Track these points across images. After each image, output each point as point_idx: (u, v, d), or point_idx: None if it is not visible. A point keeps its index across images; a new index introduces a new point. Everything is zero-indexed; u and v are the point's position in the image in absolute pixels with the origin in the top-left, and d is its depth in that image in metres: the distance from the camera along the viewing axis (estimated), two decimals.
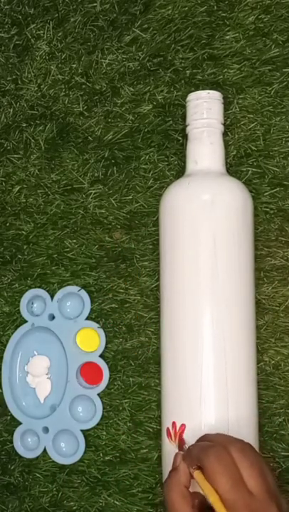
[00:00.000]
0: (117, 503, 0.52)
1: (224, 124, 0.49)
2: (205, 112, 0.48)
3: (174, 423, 0.45)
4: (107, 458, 0.53)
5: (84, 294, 0.55)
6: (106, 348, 0.54)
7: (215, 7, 0.53)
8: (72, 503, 0.54)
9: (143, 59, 0.55)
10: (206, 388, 0.44)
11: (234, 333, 0.45)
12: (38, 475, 0.55)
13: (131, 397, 0.53)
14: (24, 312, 0.57)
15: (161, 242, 0.48)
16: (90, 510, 0.53)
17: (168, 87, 0.54)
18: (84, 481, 0.54)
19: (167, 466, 0.46)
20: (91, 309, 0.54)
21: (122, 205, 0.55)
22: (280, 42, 0.51)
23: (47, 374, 0.56)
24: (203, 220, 0.45)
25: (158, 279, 0.52)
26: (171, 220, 0.47)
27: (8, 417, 0.57)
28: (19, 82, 0.58)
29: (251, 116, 0.52)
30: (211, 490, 0.36)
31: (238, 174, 0.51)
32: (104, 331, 0.54)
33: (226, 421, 0.43)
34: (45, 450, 0.55)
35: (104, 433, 0.53)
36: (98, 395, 0.53)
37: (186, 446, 0.43)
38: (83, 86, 0.57)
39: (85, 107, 0.56)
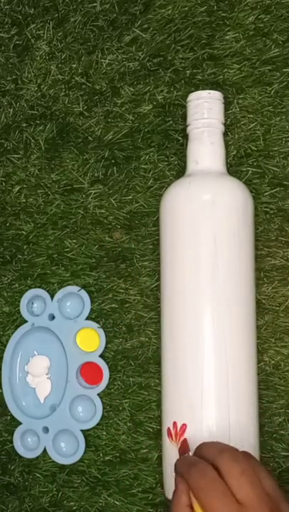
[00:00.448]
0: (117, 503, 0.52)
1: (224, 124, 0.49)
2: (206, 111, 0.48)
3: (174, 423, 0.45)
4: (107, 458, 0.53)
5: (84, 294, 0.55)
6: (106, 348, 0.54)
7: (215, 7, 0.53)
8: (72, 503, 0.54)
9: (143, 59, 0.55)
10: (207, 388, 0.44)
11: (235, 333, 0.45)
12: (38, 475, 0.55)
13: (131, 397, 0.53)
14: (24, 312, 0.57)
15: (161, 242, 0.48)
16: (90, 510, 0.53)
17: (168, 87, 0.54)
18: (84, 481, 0.54)
19: (167, 466, 0.46)
20: (91, 309, 0.54)
21: (122, 205, 0.55)
22: (280, 42, 0.51)
23: (47, 374, 0.56)
24: (204, 220, 0.45)
25: (158, 279, 0.52)
26: (172, 220, 0.47)
27: (8, 417, 0.57)
28: (19, 82, 0.58)
29: (251, 116, 0.52)
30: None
31: (238, 174, 0.51)
32: (104, 331, 0.54)
33: (227, 420, 0.43)
34: (45, 450, 0.55)
35: (104, 433, 0.53)
36: (98, 395, 0.53)
37: (190, 453, 0.43)
38: (83, 86, 0.57)
39: (85, 107, 0.56)
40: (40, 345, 0.56)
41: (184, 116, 0.51)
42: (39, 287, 0.57)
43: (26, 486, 0.55)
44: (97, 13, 0.56)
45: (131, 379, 0.53)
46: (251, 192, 0.49)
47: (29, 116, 0.58)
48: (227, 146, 0.51)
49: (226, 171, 0.49)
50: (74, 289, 0.55)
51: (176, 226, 0.46)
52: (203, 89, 0.51)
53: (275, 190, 0.51)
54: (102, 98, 0.56)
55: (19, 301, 0.57)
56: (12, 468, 0.56)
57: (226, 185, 0.46)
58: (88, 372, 0.54)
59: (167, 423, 0.46)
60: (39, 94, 0.58)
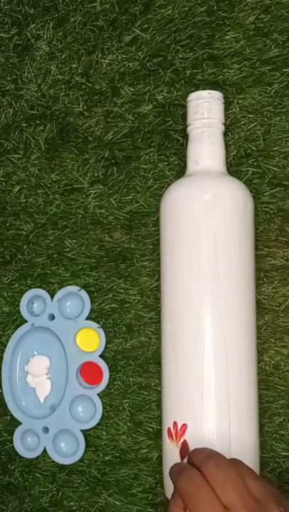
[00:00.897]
0: (117, 503, 0.52)
1: (224, 124, 0.49)
2: (206, 111, 0.48)
3: (175, 423, 0.45)
4: (107, 458, 0.53)
5: (84, 294, 0.55)
6: (106, 348, 0.54)
7: (215, 7, 0.53)
8: (72, 503, 0.54)
9: (143, 59, 0.55)
10: (207, 388, 0.44)
11: (235, 333, 0.45)
12: (38, 475, 0.55)
13: (131, 397, 0.53)
14: (24, 312, 0.57)
15: (161, 242, 0.48)
16: (90, 510, 0.53)
17: (168, 87, 0.54)
18: (84, 481, 0.54)
19: (168, 466, 0.46)
20: (91, 309, 0.54)
21: (122, 205, 0.55)
22: (280, 42, 0.51)
23: (47, 374, 0.56)
24: (204, 220, 0.45)
25: (158, 279, 0.52)
26: (172, 220, 0.47)
27: (8, 417, 0.57)
28: (19, 82, 0.58)
29: (251, 116, 0.52)
30: None
31: (238, 174, 0.51)
32: (104, 331, 0.54)
33: (227, 420, 0.43)
34: (45, 450, 0.55)
35: (104, 433, 0.53)
36: (98, 395, 0.53)
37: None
38: (83, 86, 0.57)
39: (85, 107, 0.56)
40: (40, 345, 0.56)
41: (184, 116, 0.51)
42: (39, 287, 0.57)
43: (26, 486, 0.55)
44: (97, 13, 0.56)
45: (131, 379, 0.53)
46: (251, 192, 0.49)
47: (29, 116, 0.58)
48: (227, 146, 0.51)
49: (226, 171, 0.49)
50: (74, 289, 0.55)
51: (176, 226, 0.46)
52: (203, 89, 0.51)
53: (275, 190, 0.51)
54: (102, 98, 0.56)
55: (19, 301, 0.57)
56: (12, 468, 0.56)
57: (226, 185, 0.46)
58: (88, 372, 0.54)
59: (167, 423, 0.46)
60: (39, 94, 0.58)
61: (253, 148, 0.51)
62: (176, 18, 0.54)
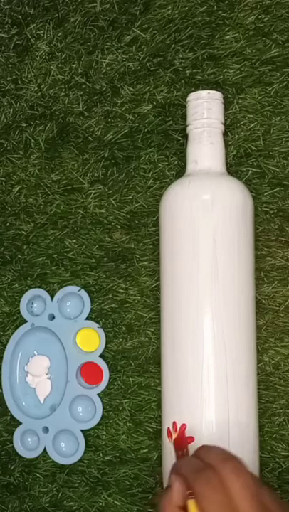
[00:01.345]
0: (117, 503, 0.52)
1: (224, 124, 0.49)
2: (205, 112, 0.48)
3: (174, 423, 0.45)
4: (107, 458, 0.53)
5: (84, 294, 0.55)
6: (106, 348, 0.54)
7: (215, 7, 0.53)
8: (72, 503, 0.54)
9: (143, 59, 0.55)
10: (207, 388, 0.44)
11: (234, 333, 0.45)
12: (38, 475, 0.55)
13: (131, 397, 0.53)
14: (24, 312, 0.57)
15: (161, 241, 0.48)
16: (90, 510, 0.53)
17: (168, 87, 0.54)
18: (84, 481, 0.54)
19: (167, 466, 0.46)
20: (91, 309, 0.54)
21: (122, 205, 0.55)
22: (280, 42, 0.51)
23: (47, 374, 0.56)
24: (204, 220, 0.45)
25: (158, 279, 0.52)
26: (172, 220, 0.47)
27: (8, 417, 0.57)
28: (19, 82, 0.58)
29: (251, 116, 0.52)
30: None
31: (238, 174, 0.51)
32: (104, 331, 0.54)
33: (227, 420, 0.43)
34: (45, 450, 0.55)
35: (104, 433, 0.53)
36: (98, 395, 0.53)
37: (188, 450, 0.43)
38: (83, 86, 0.57)
39: (85, 107, 0.56)
40: (40, 345, 0.56)
41: (184, 116, 0.51)
42: (39, 287, 0.57)
43: (26, 486, 0.55)
44: (97, 13, 0.56)
45: (131, 379, 0.53)
46: (251, 192, 0.49)
47: (29, 116, 0.58)
48: (227, 146, 0.51)
49: (226, 171, 0.49)
50: (74, 289, 0.55)
51: (175, 226, 0.46)
52: (203, 89, 0.51)
53: (275, 190, 0.51)
54: (102, 98, 0.56)
55: (19, 301, 0.57)
56: (12, 468, 0.56)
57: (226, 185, 0.46)
58: (88, 372, 0.54)
59: (167, 423, 0.46)
60: (39, 94, 0.58)
61: (253, 148, 0.51)
62: (176, 18, 0.54)
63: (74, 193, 0.56)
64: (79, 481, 0.54)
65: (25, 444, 0.56)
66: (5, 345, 0.57)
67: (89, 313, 0.54)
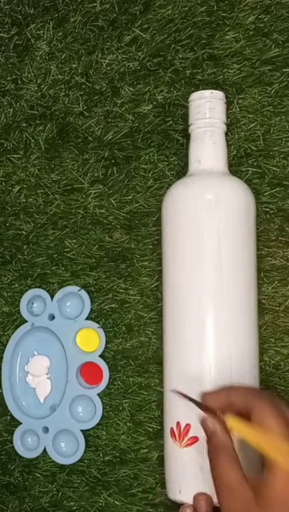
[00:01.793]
0: (117, 503, 0.52)
1: (226, 124, 0.49)
2: (208, 111, 0.48)
3: (178, 423, 0.45)
4: (107, 458, 0.53)
5: (84, 294, 0.55)
6: (106, 348, 0.54)
7: (215, 7, 0.53)
8: (72, 503, 0.54)
9: (143, 59, 0.55)
10: (211, 387, 0.44)
11: (238, 332, 0.45)
12: (38, 475, 0.55)
13: (131, 397, 0.53)
14: (24, 312, 0.57)
15: (163, 241, 0.48)
16: (90, 510, 0.53)
17: (168, 87, 0.54)
18: (84, 481, 0.54)
19: (170, 467, 0.46)
20: (91, 309, 0.54)
21: (122, 205, 0.55)
22: (280, 42, 0.51)
23: (47, 374, 0.56)
24: (207, 220, 0.45)
25: (158, 279, 0.52)
26: (175, 220, 0.46)
27: (8, 417, 0.57)
28: (19, 82, 0.58)
29: (251, 116, 0.52)
30: (256, 433, 0.35)
31: (238, 174, 0.51)
32: (104, 331, 0.54)
33: None
34: (45, 450, 0.55)
35: (104, 433, 0.53)
36: (98, 395, 0.53)
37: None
38: (83, 86, 0.57)
39: (85, 107, 0.56)
40: (40, 345, 0.56)
41: (184, 116, 0.51)
42: (39, 287, 0.57)
43: (26, 486, 0.55)
44: (97, 13, 0.56)
45: (131, 379, 0.53)
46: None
47: (29, 116, 0.58)
48: (227, 146, 0.51)
49: (228, 171, 0.49)
50: (74, 289, 0.55)
51: (179, 225, 0.46)
52: (203, 89, 0.51)
53: (275, 190, 0.51)
54: (102, 98, 0.56)
55: (19, 301, 0.57)
56: (12, 468, 0.56)
57: (229, 185, 0.46)
58: (88, 372, 0.54)
59: (170, 423, 0.46)
60: (39, 94, 0.58)
61: (253, 148, 0.51)
62: (176, 18, 0.54)
63: (74, 193, 0.56)
64: (79, 481, 0.54)
65: (25, 444, 0.56)
66: (5, 345, 0.57)
67: (89, 313, 0.54)
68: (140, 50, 0.55)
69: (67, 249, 0.56)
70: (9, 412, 0.56)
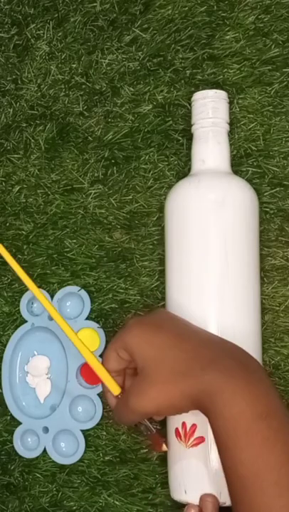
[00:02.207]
0: (117, 503, 0.52)
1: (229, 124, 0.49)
2: (212, 111, 0.48)
3: (183, 423, 0.44)
4: (107, 458, 0.53)
5: (84, 294, 0.55)
6: (106, 348, 0.53)
7: (215, 7, 0.53)
8: (72, 503, 0.54)
9: (143, 59, 0.55)
10: None
11: (243, 333, 0.44)
12: (38, 475, 0.55)
13: None
14: (24, 312, 0.57)
15: (168, 241, 0.48)
16: (90, 510, 0.53)
17: (168, 87, 0.54)
18: (84, 481, 0.54)
19: (174, 467, 0.46)
20: (91, 309, 0.54)
21: (122, 205, 0.55)
22: (280, 42, 0.51)
23: (47, 374, 0.56)
24: (214, 219, 0.45)
25: (158, 279, 0.52)
26: (181, 219, 0.46)
27: (8, 417, 0.57)
28: (19, 82, 0.58)
29: (251, 116, 0.52)
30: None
31: (238, 174, 0.51)
32: (104, 331, 0.54)
33: None
34: (45, 450, 0.55)
35: (104, 433, 0.53)
36: (98, 395, 0.53)
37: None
38: (83, 86, 0.57)
39: (85, 107, 0.56)
40: (40, 345, 0.56)
41: (184, 116, 0.51)
42: (39, 287, 0.56)
43: (26, 486, 0.55)
44: (97, 13, 0.56)
45: None
46: None
47: (29, 116, 0.58)
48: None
49: (231, 171, 0.49)
50: (74, 289, 0.55)
51: (185, 225, 0.46)
52: (203, 89, 0.51)
53: (275, 190, 0.51)
54: (102, 98, 0.56)
55: (19, 301, 0.57)
56: (12, 468, 0.56)
57: (235, 184, 0.46)
58: (88, 372, 0.54)
59: (175, 423, 0.45)
60: (39, 94, 0.58)
61: (253, 148, 0.51)
62: (176, 18, 0.54)
63: (74, 193, 0.56)
64: (79, 481, 0.54)
65: (25, 444, 0.56)
66: (5, 345, 0.57)
67: (89, 313, 0.54)
68: (140, 50, 0.55)
69: (67, 249, 0.56)
70: (9, 412, 0.56)
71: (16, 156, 0.58)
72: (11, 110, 0.59)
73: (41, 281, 0.57)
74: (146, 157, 0.54)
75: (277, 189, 0.51)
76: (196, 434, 0.44)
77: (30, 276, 0.51)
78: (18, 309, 0.57)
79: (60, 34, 0.57)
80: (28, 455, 0.55)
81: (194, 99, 0.49)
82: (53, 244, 0.57)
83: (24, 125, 0.58)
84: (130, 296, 0.54)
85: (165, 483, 0.50)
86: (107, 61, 0.56)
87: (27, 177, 0.58)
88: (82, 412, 0.54)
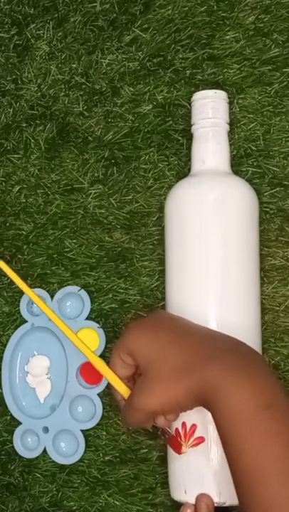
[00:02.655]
0: (117, 503, 0.52)
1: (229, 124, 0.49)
2: (212, 111, 0.48)
3: (183, 423, 0.44)
4: (107, 458, 0.53)
5: (84, 294, 0.55)
6: (106, 348, 0.54)
7: (215, 7, 0.53)
8: (72, 503, 0.54)
9: (143, 59, 0.55)
10: None
11: (244, 333, 0.44)
12: (38, 475, 0.55)
13: None
14: (24, 312, 0.57)
15: (167, 241, 0.48)
16: (90, 510, 0.53)
17: (168, 87, 0.54)
18: (84, 481, 0.54)
19: (174, 467, 0.46)
20: (91, 309, 0.54)
21: (122, 205, 0.55)
22: (280, 42, 0.51)
23: (47, 374, 0.56)
24: (214, 219, 0.45)
25: (158, 279, 0.52)
26: (180, 219, 0.46)
27: (8, 417, 0.57)
28: (19, 82, 0.58)
29: (251, 116, 0.52)
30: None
31: (238, 174, 0.51)
32: (104, 331, 0.54)
33: None
34: (45, 450, 0.55)
35: (104, 433, 0.53)
36: (98, 395, 0.53)
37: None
38: (83, 86, 0.57)
39: (85, 107, 0.56)
40: (40, 345, 0.56)
41: (184, 116, 0.51)
42: (39, 287, 0.57)
43: (26, 486, 0.55)
44: (97, 13, 0.56)
45: None
46: None
47: (29, 116, 0.58)
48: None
49: (231, 171, 0.49)
50: (74, 289, 0.55)
51: (185, 225, 0.46)
52: (203, 89, 0.51)
53: (275, 190, 0.51)
54: (102, 98, 0.56)
55: (19, 301, 0.57)
56: (12, 468, 0.56)
57: (235, 184, 0.46)
58: (88, 372, 0.54)
59: (174, 424, 0.45)
60: (39, 94, 0.58)
61: (253, 148, 0.51)
62: (176, 18, 0.54)
63: (74, 193, 0.56)
64: (79, 481, 0.54)
65: (25, 444, 0.56)
66: (5, 345, 0.57)
67: (89, 313, 0.54)
68: (140, 50, 0.55)
69: (67, 249, 0.56)
70: (9, 412, 0.56)
71: (16, 156, 0.58)
72: (11, 110, 0.59)
73: (41, 281, 0.57)
74: (146, 157, 0.54)
75: (277, 189, 0.51)
76: (196, 434, 0.44)
77: (26, 281, 0.51)
78: (18, 309, 0.57)
79: (60, 34, 0.57)
80: (28, 455, 0.55)
81: (194, 99, 0.49)
82: (53, 244, 0.57)
83: (24, 125, 0.58)
84: (130, 296, 0.54)
85: (165, 483, 0.50)
86: (107, 61, 0.56)
87: (27, 177, 0.58)
88: (82, 412, 0.54)
